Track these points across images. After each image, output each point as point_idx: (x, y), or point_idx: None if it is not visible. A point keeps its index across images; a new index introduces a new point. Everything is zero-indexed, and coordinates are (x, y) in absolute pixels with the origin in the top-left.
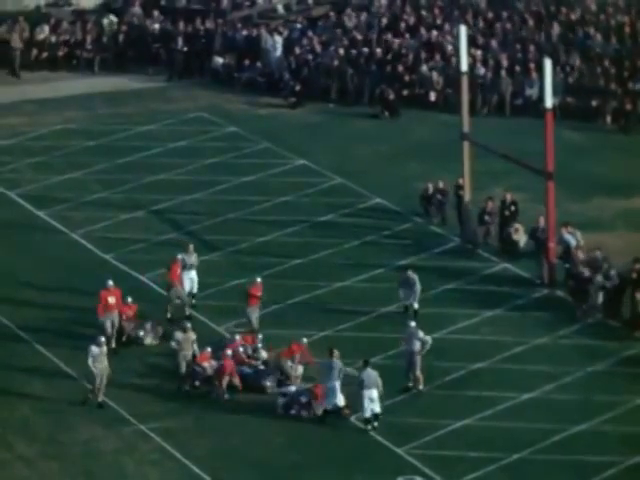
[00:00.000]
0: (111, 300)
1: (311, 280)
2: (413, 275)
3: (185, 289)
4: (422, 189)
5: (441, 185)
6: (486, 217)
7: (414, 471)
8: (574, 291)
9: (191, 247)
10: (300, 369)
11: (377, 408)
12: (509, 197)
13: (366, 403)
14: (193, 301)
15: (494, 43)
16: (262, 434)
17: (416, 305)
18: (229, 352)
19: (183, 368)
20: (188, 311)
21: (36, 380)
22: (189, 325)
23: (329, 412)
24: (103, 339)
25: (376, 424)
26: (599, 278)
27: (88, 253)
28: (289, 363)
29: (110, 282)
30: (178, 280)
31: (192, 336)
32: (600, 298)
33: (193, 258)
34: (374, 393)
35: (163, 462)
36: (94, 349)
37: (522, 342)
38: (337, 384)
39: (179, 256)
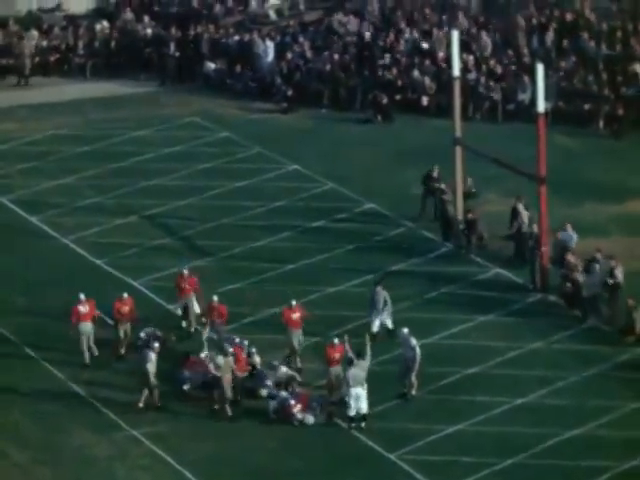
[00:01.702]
0: (124, 310)
1: (304, 285)
2: (383, 291)
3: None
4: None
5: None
6: (468, 229)
7: (406, 477)
8: (568, 296)
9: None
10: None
11: (364, 408)
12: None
13: (352, 401)
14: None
15: (486, 48)
16: (255, 440)
17: (390, 324)
18: (243, 355)
19: (229, 392)
20: (193, 327)
21: (27, 386)
22: (231, 350)
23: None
24: (157, 344)
25: (363, 425)
26: (592, 279)
27: (80, 259)
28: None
29: (125, 294)
30: (184, 295)
31: (231, 360)
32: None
33: None
34: (360, 391)
35: (156, 468)
36: (152, 355)
37: (515, 347)
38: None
39: (185, 270)
